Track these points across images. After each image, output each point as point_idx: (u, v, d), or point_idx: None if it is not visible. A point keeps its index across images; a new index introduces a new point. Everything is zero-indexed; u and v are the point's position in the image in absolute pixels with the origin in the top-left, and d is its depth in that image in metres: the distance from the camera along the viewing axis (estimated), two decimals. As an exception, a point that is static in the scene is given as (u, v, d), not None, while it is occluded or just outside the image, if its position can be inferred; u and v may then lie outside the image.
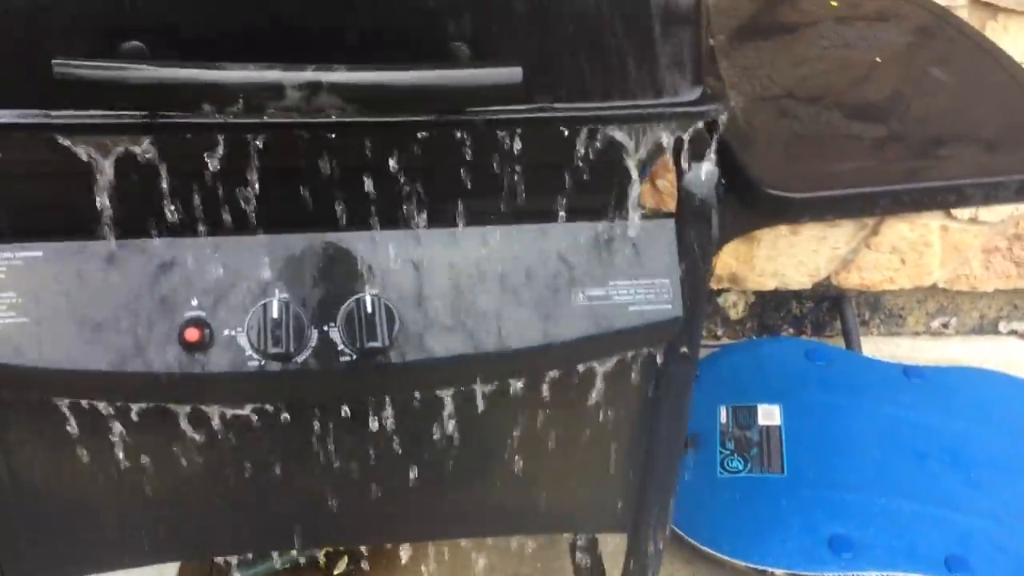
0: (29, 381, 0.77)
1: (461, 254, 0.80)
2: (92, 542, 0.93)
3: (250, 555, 1.31)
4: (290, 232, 0.78)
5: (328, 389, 0.83)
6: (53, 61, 0.63)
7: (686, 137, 0.78)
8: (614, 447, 0.96)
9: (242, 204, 0.74)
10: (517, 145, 0.74)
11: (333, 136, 0.70)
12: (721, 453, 1.53)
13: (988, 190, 0.88)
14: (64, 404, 0.80)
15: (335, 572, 1.41)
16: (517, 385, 0.86)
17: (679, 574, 1.45)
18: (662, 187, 1.50)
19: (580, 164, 0.77)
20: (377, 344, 0.77)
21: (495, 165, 0.75)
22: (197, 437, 0.83)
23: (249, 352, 0.77)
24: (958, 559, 1.37)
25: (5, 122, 0.68)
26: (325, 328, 0.78)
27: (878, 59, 1.09)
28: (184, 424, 0.82)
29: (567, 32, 0.71)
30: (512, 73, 0.68)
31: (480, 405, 0.86)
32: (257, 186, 0.73)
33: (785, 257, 1.78)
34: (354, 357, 0.78)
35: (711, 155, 0.80)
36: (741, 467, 1.51)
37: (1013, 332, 1.96)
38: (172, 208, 0.74)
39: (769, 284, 1.82)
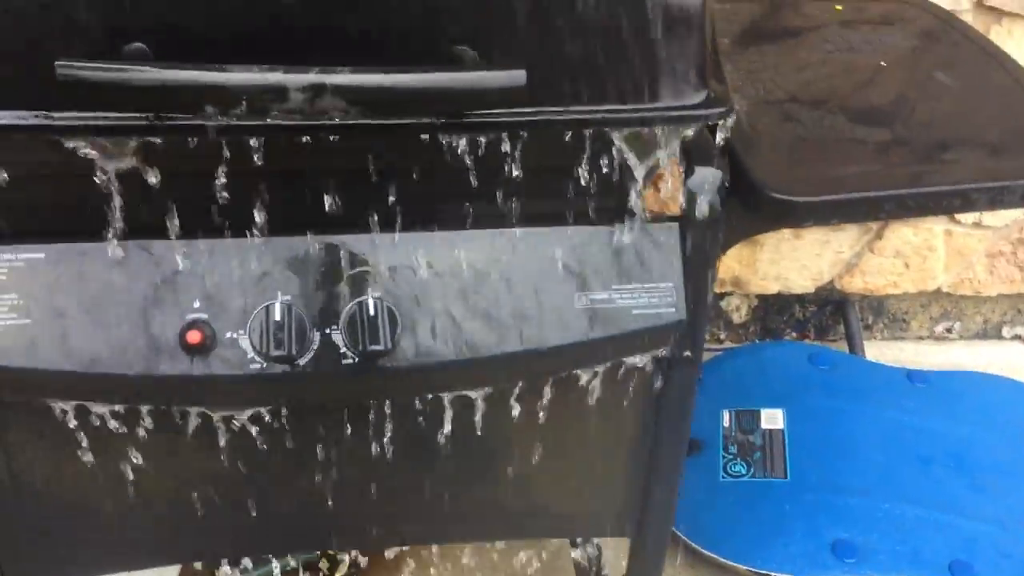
0: (30, 383, 0.77)
1: (464, 257, 0.80)
2: (92, 545, 0.93)
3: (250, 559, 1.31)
4: (293, 234, 0.78)
5: (330, 392, 0.83)
6: (56, 62, 0.63)
7: (690, 141, 0.78)
8: (617, 451, 0.95)
9: (245, 206, 0.74)
10: (520, 148, 0.74)
11: (336, 139, 0.70)
12: (724, 457, 1.53)
13: (993, 195, 0.88)
14: (65, 406, 0.80)
15: (336, 575, 1.41)
16: (520, 388, 0.86)
17: (681, 579, 1.45)
18: (665, 190, 1.49)
19: (584, 167, 0.77)
20: (379, 347, 0.77)
21: (498, 168, 0.75)
22: (198, 440, 0.83)
23: (251, 355, 0.77)
24: (962, 564, 1.36)
25: (7, 123, 0.67)
26: (327, 331, 0.78)
27: (883, 63, 1.09)
28: (185, 427, 0.82)
29: (571, 35, 0.71)
30: (516, 76, 0.68)
31: (482, 408, 0.86)
32: (260, 188, 0.73)
33: (788, 261, 1.78)
34: (356, 360, 0.78)
35: (715, 159, 0.80)
36: (744, 471, 1.50)
37: (1017, 337, 1.95)
38: (174, 210, 0.74)
39: (772, 288, 1.82)
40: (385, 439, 0.87)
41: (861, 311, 1.89)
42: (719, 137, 0.78)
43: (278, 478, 0.89)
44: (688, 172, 0.80)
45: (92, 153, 0.70)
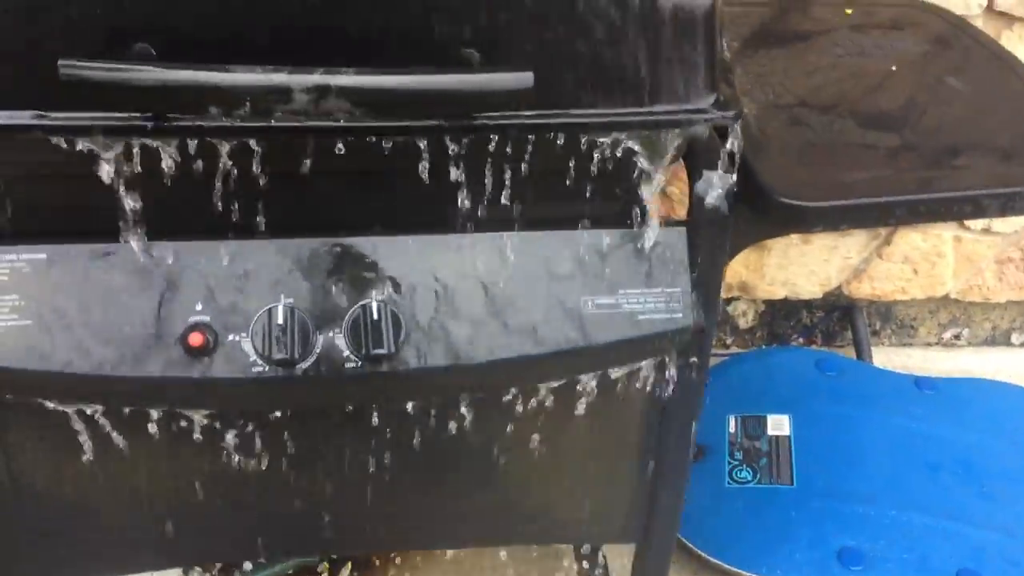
0: (31, 385, 0.77)
1: (469, 260, 0.79)
2: (92, 547, 0.93)
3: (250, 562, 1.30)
4: (296, 237, 0.77)
5: (332, 396, 0.83)
6: (59, 62, 0.63)
7: (698, 144, 0.77)
8: (622, 457, 0.95)
9: (248, 208, 0.74)
10: (527, 151, 0.73)
11: (340, 140, 0.69)
12: (729, 463, 1.52)
13: (1005, 201, 0.87)
14: (66, 408, 0.79)
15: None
16: (525, 393, 0.86)
17: (686, 585, 1.44)
18: (673, 195, 1.49)
19: (591, 171, 0.76)
20: (383, 351, 0.76)
21: (504, 171, 0.75)
22: (199, 442, 0.83)
23: (253, 358, 0.76)
24: (970, 573, 1.35)
25: (9, 123, 0.67)
26: (330, 334, 0.77)
27: (893, 68, 1.09)
28: (186, 429, 0.82)
29: (579, 38, 0.70)
30: (523, 78, 0.67)
31: (487, 413, 0.86)
32: (263, 190, 0.73)
33: (796, 266, 1.77)
34: (359, 364, 0.77)
35: (724, 163, 0.79)
36: (750, 477, 1.50)
37: (1026, 344, 1.95)
38: (177, 211, 0.73)
39: (779, 293, 1.81)
40: (388, 443, 0.86)
41: (869, 317, 1.88)
42: (728, 141, 0.78)
43: (279, 481, 0.89)
44: (696, 176, 0.79)
45: (95, 153, 0.69)
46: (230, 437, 0.83)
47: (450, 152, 0.72)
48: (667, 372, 0.88)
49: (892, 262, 1.78)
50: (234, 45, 0.66)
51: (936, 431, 1.57)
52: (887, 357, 1.84)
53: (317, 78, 0.64)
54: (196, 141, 0.68)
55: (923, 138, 0.96)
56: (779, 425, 1.57)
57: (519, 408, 0.86)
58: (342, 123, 0.67)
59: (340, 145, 0.70)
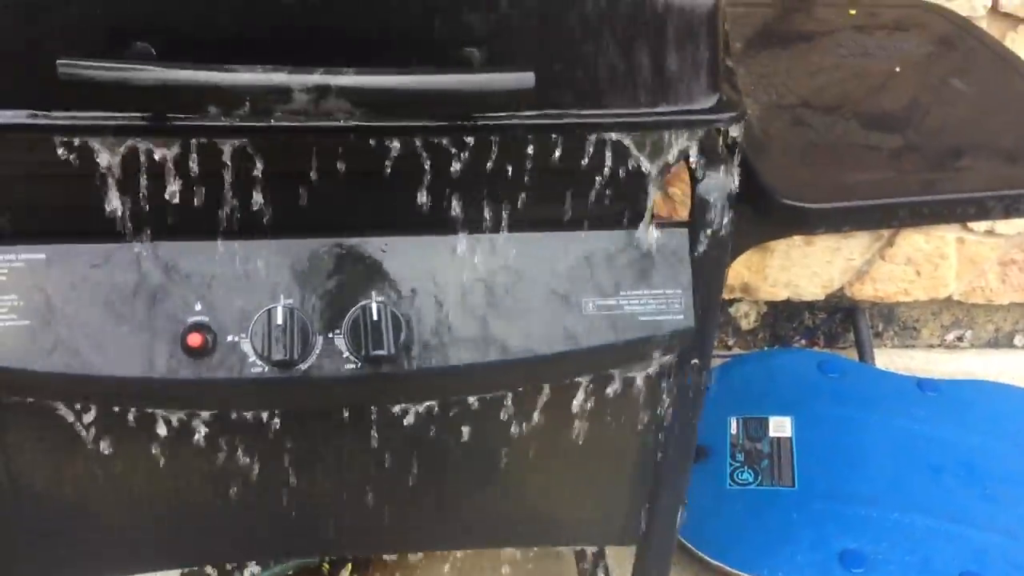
0: (30, 385, 0.77)
1: (469, 262, 0.79)
2: (92, 547, 0.93)
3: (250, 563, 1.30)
4: (296, 237, 0.77)
5: (332, 397, 0.82)
6: (58, 61, 0.62)
7: (701, 145, 0.77)
8: (622, 458, 0.94)
9: (248, 208, 0.73)
10: (528, 152, 0.73)
11: (340, 141, 0.69)
12: (731, 465, 1.52)
13: (1009, 202, 0.87)
14: (64, 409, 0.79)
15: (338, 578, 1.40)
16: (525, 394, 0.85)
17: (687, 587, 1.44)
18: (675, 195, 1.48)
19: (592, 171, 0.76)
20: (383, 352, 0.76)
21: (505, 172, 0.74)
22: (198, 443, 0.82)
23: (252, 358, 0.76)
24: (972, 576, 1.35)
25: (8, 122, 0.67)
26: (330, 335, 0.77)
27: (896, 69, 1.08)
28: (185, 430, 0.81)
29: (580, 38, 0.70)
30: (524, 78, 0.67)
31: (487, 414, 0.85)
32: (263, 190, 0.72)
33: (798, 267, 1.77)
34: (359, 365, 0.77)
35: (726, 164, 0.78)
36: (751, 479, 1.49)
37: (1029, 346, 1.94)
38: (176, 211, 0.73)
39: (782, 294, 1.81)
40: (387, 444, 0.86)
41: (871, 319, 1.87)
42: (730, 142, 0.77)
43: (279, 482, 0.88)
44: (698, 177, 0.79)
45: (94, 153, 0.69)
46: (229, 437, 0.83)
47: (450, 153, 0.72)
48: (668, 374, 0.87)
49: (895, 264, 1.78)
50: (234, 45, 0.66)
51: (938, 433, 1.57)
52: (889, 359, 1.84)
53: (317, 78, 0.64)
54: (195, 141, 0.68)
55: (926, 139, 0.96)
56: (781, 427, 1.57)
57: (519, 409, 0.86)
58: (342, 123, 0.67)
59: (340, 145, 0.69)
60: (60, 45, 0.64)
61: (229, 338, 0.76)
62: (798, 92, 1.02)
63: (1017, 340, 1.94)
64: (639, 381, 0.87)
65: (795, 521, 1.43)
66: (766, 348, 1.90)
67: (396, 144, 0.71)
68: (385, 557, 1.40)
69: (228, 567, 1.28)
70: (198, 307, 0.76)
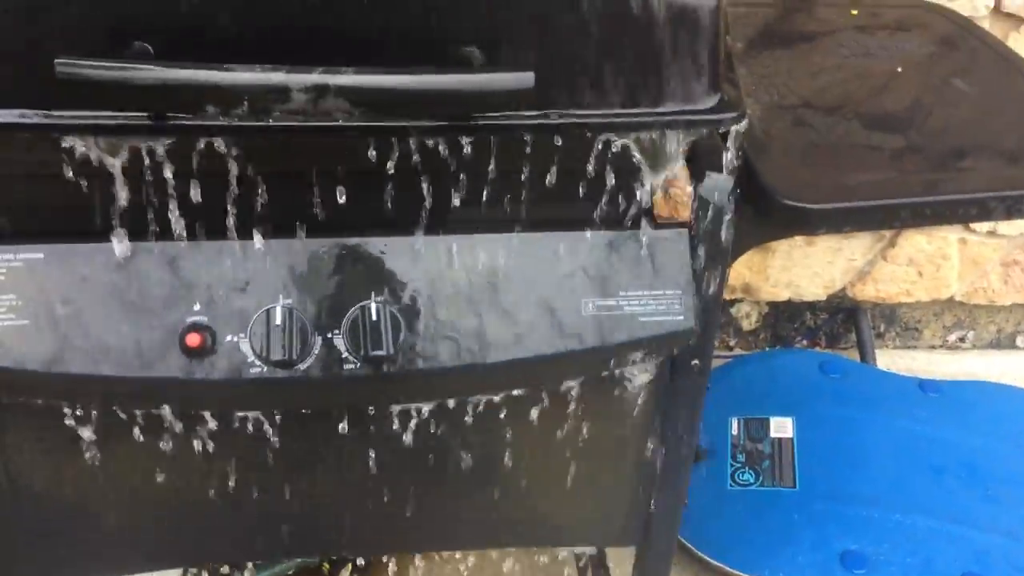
0: (28, 385, 0.76)
1: (468, 262, 0.79)
2: (91, 547, 0.92)
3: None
4: (295, 237, 0.77)
5: (331, 397, 0.82)
6: (56, 60, 0.62)
7: (702, 145, 0.76)
8: (622, 459, 0.94)
9: (246, 208, 0.73)
10: (528, 152, 0.73)
11: (340, 141, 0.69)
12: (732, 465, 1.51)
13: (1011, 203, 0.87)
14: (63, 409, 0.79)
15: (339, 578, 1.40)
16: (525, 395, 0.85)
17: (687, 588, 1.43)
18: (676, 196, 1.48)
19: (593, 172, 0.76)
20: (382, 352, 0.76)
21: (505, 172, 0.74)
22: (196, 443, 0.82)
23: (251, 359, 0.76)
24: (974, 577, 1.35)
25: (7, 122, 0.67)
26: (329, 335, 0.77)
27: (898, 69, 1.08)
28: (184, 430, 0.81)
29: (581, 37, 0.70)
30: (524, 78, 0.67)
31: (486, 415, 0.85)
32: (261, 190, 0.72)
33: (800, 268, 1.77)
34: (358, 365, 0.77)
35: (727, 164, 0.78)
36: (752, 480, 1.49)
37: (1031, 347, 1.94)
38: (175, 211, 0.73)
39: (783, 295, 1.81)
40: (387, 444, 0.86)
41: (873, 319, 1.87)
42: (731, 142, 0.77)
43: (278, 482, 0.88)
44: (699, 177, 0.79)
45: (92, 152, 0.69)
46: (228, 437, 0.83)
47: (450, 153, 0.71)
48: (668, 375, 0.87)
49: (897, 264, 1.78)
50: (232, 44, 0.66)
51: (940, 434, 1.57)
52: (891, 359, 1.84)
53: (315, 77, 0.63)
54: (193, 141, 0.68)
55: (928, 140, 0.95)
56: (782, 427, 1.57)
57: (519, 410, 0.86)
58: (341, 123, 0.67)
59: (339, 145, 0.69)
60: (58, 44, 0.64)
61: (228, 338, 0.76)
62: (799, 92, 1.01)
63: (1019, 341, 1.94)
64: (639, 382, 0.87)
65: (796, 522, 1.42)
66: (767, 348, 1.89)
67: (395, 144, 0.71)
68: (384, 558, 1.39)
69: (228, 567, 1.27)
70: (197, 307, 0.76)
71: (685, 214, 0.81)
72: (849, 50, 1.12)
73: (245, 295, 0.76)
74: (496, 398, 0.85)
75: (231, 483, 0.87)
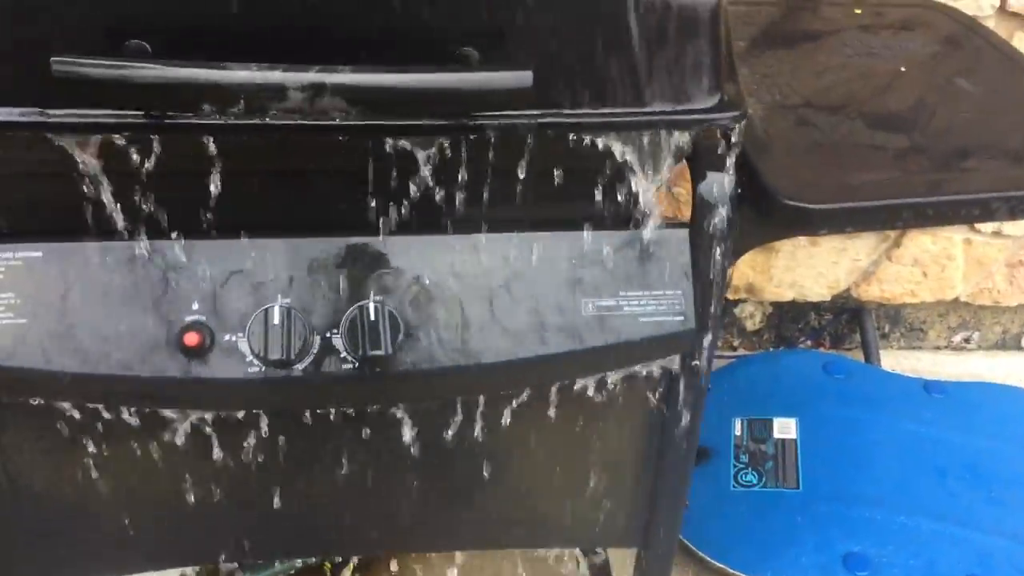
0: (26, 384, 0.76)
1: (468, 261, 0.78)
2: (90, 547, 0.93)
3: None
4: (294, 236, 0.77)
5: (330, 397, 0.82)
6: (52, 59, 0.62)
7: (702, 145, 0.76)
8: (623, 460, 0.94)
9: (243, 207, 0.73)
10: (527, 151, 0.72)
11: (337, 139, 0.69)
12: (735, 466, 1.51)
13: (1015, 204, 0.86)
14: (61, 408, 0.79)
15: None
16: (524, 396, 0.85)
17: (689, 589, 1.43)
18: (677, 195, 1.48)
19: (592, 171, 0.75)
20: (380, 352, 0.75)
21: (504, 171, 0.74)
22: (195, 443, 0.82)
23: (249, 358, 0.76)
24: (978, 580, 1.34)
25: (4, 120, 0.67)
26: (328, 335, 0.77)
27: (902, 68, 1.07)
28: (183, 430, 0.81)
29: (580, 36, 0.69)
30: (522, 77, 0.66)
31: (486, 416, 0.85)
32: (260, 189, 0.72)
33: (804, 268, 1.76)
34: (356, 365, 0.77)
35: (728, 164, 0.78)
36: (755, 481, 1.49)
37: (1037, 348, 1.93)
38: (173, 210, 0.73)
39: (787, 295, 1.80)
40: (386, 445, 0.86)
41: (878, 320, 1.86)
42: (732, 142, 0.77)
43: (277, 482, 0.88)
44: (700, 177, 0.78)
45: (89, 151, 0.69)
46: (227, 437, 0.83)
47: (448, 152, 0.71)
48: (668, 375, 0.87)
49: (901, 264, 1.77)
50: (230, 42, 0.65)
51: (945, 435, 1.56)
52: (896, 360, 1.83)
53: (312, 76, 0.63)
54: (190, 139, 0.68)
55: (932, 140, 0.95)
56: (785, 428, 1.56)
57: (518, 410, 0.85)
58: (338, 122, 0.66)
59: (336, 144, 0.69)
60: (55, 43, 0.64)
61: (226, 337, 0.76)
62: (802, 92, 1.01)
63: (1024, 342, 1.93)
64: (639, 382, 0.87)
65: (799, 523, 1.42)
66: (771, 349, 1.89)
67: (393, 143, 0.70)
68: (386, 558, 1.39)
69: (228, 567, 1.27)
70: (195, 306, 0.76)
71: (685, 214, 0.81)
72: (852, 49, 1.11)
73: (243, 294, 0.76)
74: (495, 399, 0.84)
75: (230, 482, 0.87)
